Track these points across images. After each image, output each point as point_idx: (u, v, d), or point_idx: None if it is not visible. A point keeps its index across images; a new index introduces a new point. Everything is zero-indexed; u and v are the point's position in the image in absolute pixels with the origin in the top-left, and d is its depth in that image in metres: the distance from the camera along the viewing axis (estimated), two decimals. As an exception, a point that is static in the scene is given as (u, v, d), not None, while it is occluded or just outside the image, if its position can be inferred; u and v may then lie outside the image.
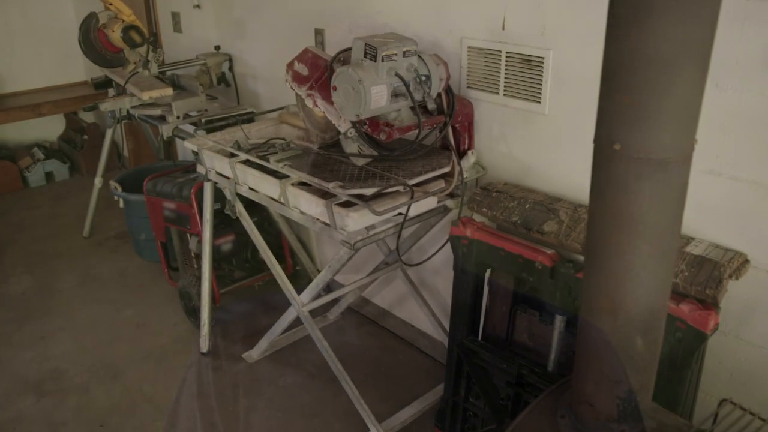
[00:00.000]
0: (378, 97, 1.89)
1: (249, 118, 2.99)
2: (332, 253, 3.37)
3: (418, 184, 2.09)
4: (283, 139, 2.76)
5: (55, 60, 5.37)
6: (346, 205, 2.02)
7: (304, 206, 2.17)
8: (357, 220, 1.98)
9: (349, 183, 2.01)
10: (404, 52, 1.92)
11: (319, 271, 3.49)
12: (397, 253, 2.22)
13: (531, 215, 2.08)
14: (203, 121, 3.09)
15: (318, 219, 2.14)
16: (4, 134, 5.32)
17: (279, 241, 3.43)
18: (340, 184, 1.98)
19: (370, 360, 2.96)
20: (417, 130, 2.00)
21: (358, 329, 3.20)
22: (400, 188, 2.01)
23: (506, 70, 2.21)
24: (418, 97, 1.99)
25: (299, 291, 2.58)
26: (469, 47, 2.30)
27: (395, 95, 1.95)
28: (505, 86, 2.23)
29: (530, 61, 2.13)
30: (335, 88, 1.96)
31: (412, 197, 2.04)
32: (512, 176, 2.33)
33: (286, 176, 2.23)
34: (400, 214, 2.08)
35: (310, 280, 3.50)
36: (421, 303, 2.77)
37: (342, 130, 2.10)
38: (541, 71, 2.11)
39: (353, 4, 2.72)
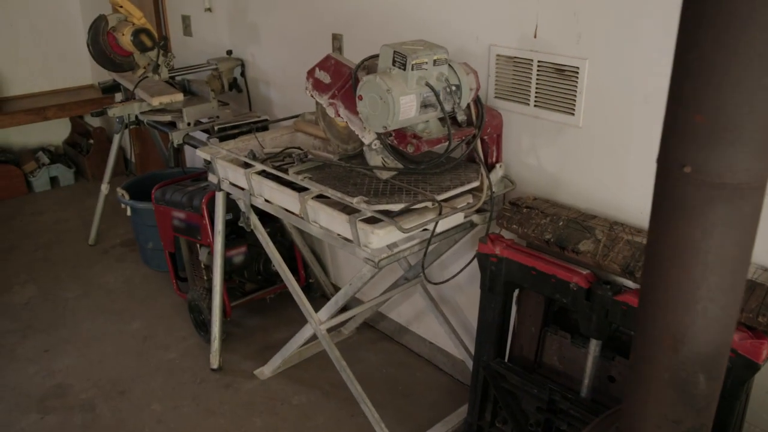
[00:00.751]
0: (407, 108, 1.79)
1: (263, 126, 2.89)
2: (347, 265, 3.26)
3: (445, 200, 1.98)
4: (300, 148, 2.65)
5: (61, 63, 5.28)
6: (371, 221, 1.91)
7: (325, 221, 2.06)
8: (382, 238, 1.88)
9: (374, 198, 1.91)
10: (435, 61, 1.82)
11: (333, 284, 3.40)
12: (422, 272, 2.11)
13: (565, 233, 1.97)
14: (216, 128, 2.99)
15: (339, 235, 2.04)
16: (9, 138, 5.23)
17: (292, 252, 3.32)
18: (364, 199, 1.88)
19: (387, 378, 2.84)
20: (445, 143, 1.89)
21: (373, 345, 3.09)
22: (428, 204, 1.90)
23: (537, 79, 2.10)
24: (447, 107, 1.88)
25: (312, 304, 2.48)
26: (497, 55, 2.20)
27: (424, 106, 1.84)
28: (536, 97, 2.13)
29: (564, 70, 2.03)
30: (361, 98, 1.85)
31: (440, 213, 1.93)
32: (542, 191, 2.22)
33: (304, 188, 2.13)
34: (425, 230, 1.97)
35: (324, 293, 3.42)
36: (442, 320, 2.67)
37: (366, 141, 2.00)
38: (576, 82, 2.01)
39: (373, 8, 2.62)
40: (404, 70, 1.78)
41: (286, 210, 2.25)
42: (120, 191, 3.63)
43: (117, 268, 3.86)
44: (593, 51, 1.94)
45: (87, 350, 3.09)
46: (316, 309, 2.47)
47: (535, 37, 2.08)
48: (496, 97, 2.25)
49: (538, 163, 2.21)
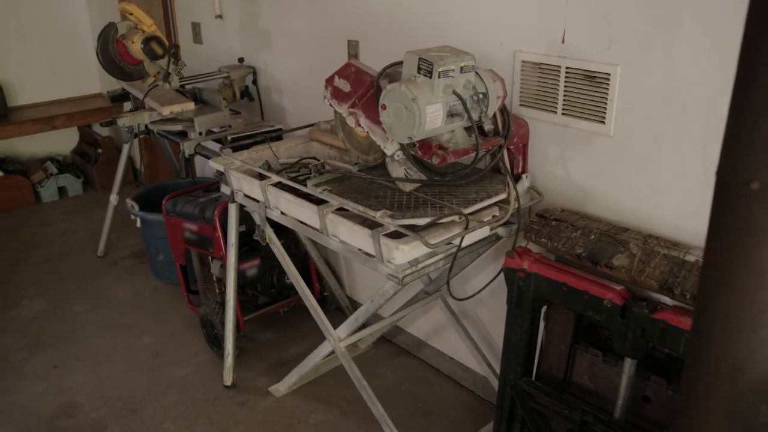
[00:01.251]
0: (433, 118, 1.70)
1: (277, 136, 2.81)
2: (363, 278, 3.18)
3: (471, 213, 1.90)
4: (316, 158, 2.58)
5: (69, 71, 5.22)
6: (394, 235, 1.83)
7: (345, 235, 1.98)
8: (407, 253, 1.79)
9: (398, 211, 1.82)
10: (462, 68, 1.74)
11: (348, 297, 3.31)
12: (447, 288, 2.02)
13: (597, 247, 1.88)
14: (229, 138, 2.91)
15: (360, 250, 1.95)
16: (17, 147, 5.17)
17: (306, 264, 3.24)
18: (388, 213, 1.79)
19: (406, 395, 2.75)
20: (471, 154, 1.81)
21: (391, 360, 3.00)
22: (455, 218, 1.82)
23: (566, 86, 2.02)
24: (474, 116, 1.80)
25: (327, 317, 2.39)
26: (523, 61, 2.12)
27: (451, 115, 1.76)
28: (564, 104, 2.04)
29: (594, 77, 1.94)
30: (384, 107, 1.77)
31: (466, 227, 1.84)
32: (570, 202, 2.13)
33: (321, 200, 2.05)
34: (449, 244, 1.88)
35: (339, 306, 3.33)
36: (464, 335, 2.58)
37: (389, 152, 1.92)
38: (607, 89, 1.92)
39: (391, 14, 2.54)
40: (430, 77, 1.69)
41: (304, 223, 2.17)
42: (129, 202, 3.56)
43: (126, 280, 3.79)
44: (625, 57, 1.86)
45: (97, 367, 3.01)
46: (331, 321, 2.39)
47: (563, 42, 1.99)
48: (520, 104, 2.16)
49: (565, 174, 2.12)
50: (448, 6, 2.30)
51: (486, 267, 2.48)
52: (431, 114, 1.69)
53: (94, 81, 5.33)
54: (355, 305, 3.29)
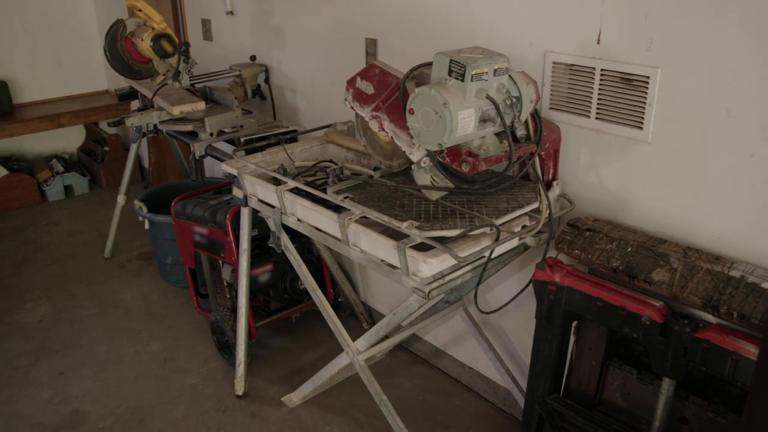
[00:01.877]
0: (465, 123, 1.60)
1: (292, 138, 2.71)
2: (378, 283, 3.08)
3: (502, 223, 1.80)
4: (333, 162, 2.48)
5: (76, 68, 5.13)
6: (420, 246, 1.72)
7: (367, 245, 1.88)
8: (435, 266, 1.69)
9: (426, 222, 1.72)
10: (495, 70, 1.63)
11: (362, 303, 3.21)
12: (474, 303, 1.92)
13: (635, 260, 1.78)
14: (242, 140, 2.81)
15: (383, 261, 1.85)
16: (22, 145, 5.09)
17: (319, 268, 3.14)
18: (416, 224, 1.69)
19: (424, 406, 2.66)
20: (503, 162, 1.71)
21: (408, 369, 2.90)
22: (486, 229, 1.71)
23: (600, 89, 1.91)
24: (507, 122, 1.69)
25: (341, 323, 2.30)
26: (554, 62, 2.01)
27: (483, 120, 1.66)
28: (598, 108, 1.93)
29: (631, 80, 1.84)
30: (412, 112, 1.67)
31: (497, 239, 1.74)
32: (603, 211, 2.03)
33: (339, 206, 1.95)
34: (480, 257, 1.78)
35: (353, 312, 3.23)
36: (486, 346, 2.48)
37: (415, 159, 1.81)
38: (645, 92, 1.81)
39: (412, 10, 2.43)
40: (462, 81, 1.59)
41: (321, 231, 2.07)
42: (137, 203, 3.47)
43: (134, 283, 3.70)
44: (667, 58, 1.75)
45: (104, 374, 2.92)
46: (345, 327, 2.29)
47: (598, 43, 1.89)
48: (551, 108, 2.06)
49: (598, 181, 2.01)
50: (474, 3, 2.19)
51: (510, 276, 2.38)
52: (463, 120, 1.59)
53: (101, 78, 5.23)
54: (369, 311, 3.19)
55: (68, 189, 4.99)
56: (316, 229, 2.07)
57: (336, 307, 3.20)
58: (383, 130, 1.88)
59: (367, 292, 3.18)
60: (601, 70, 1.89)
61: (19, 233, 4.36)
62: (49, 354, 3.07)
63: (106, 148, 5.06)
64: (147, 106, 3.38)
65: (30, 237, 4.30)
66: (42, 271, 3.85)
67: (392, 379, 2.82)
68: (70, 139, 5.34)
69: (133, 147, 3.70)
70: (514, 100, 1.71)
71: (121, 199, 3.85)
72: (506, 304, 2.05)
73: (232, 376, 2.81)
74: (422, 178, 1.85)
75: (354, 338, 2.27)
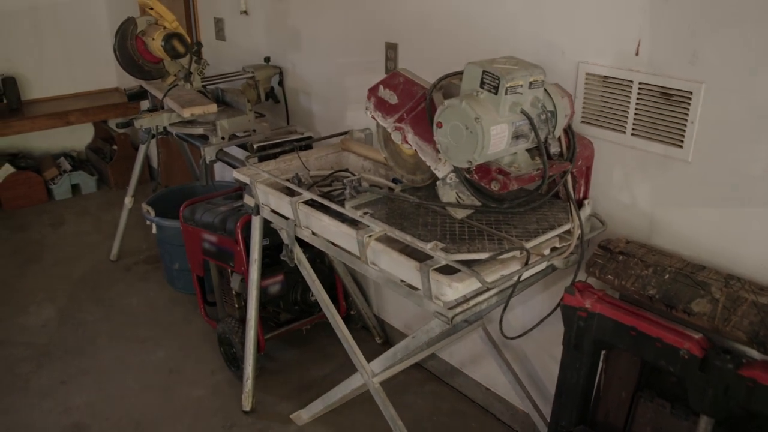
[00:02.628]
0: (498, 140, 1.49)
1: (307, 145, 2.60)
2: (392, 296, 2.97)
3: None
4: (350, 172, 2.37)
5: (86, 65, 5.04)
6: (444, 269, 1.62)
7: (387, 264, 1.77)
8: (460, 291, 1.58)
9: (452, 243, 1.61)
10: (531, 83, 1.52)
11: (375, 316, 3.10)
12: (500, 329, 1.81)
13: (673, 288, 1.66)
14: (255, 147, 2.71)
15: (403, 281, 1.74)
16: (29, 142, 5.01)
17: (332, 279, 3.04)
18: (441, 246, 1.58)
19: (438, 428, 2.55)
20: (537, 181, 1.60)
21: (421, 387, 2.79)
22: (516, 252, 1.60)
23: (637, 104, 1.80)
24: (541, 137, 1.58)
25: (353, 336, 2.19)
26: (587, 74, 1.90)
27: (516, 136, 1.55)
28: (634, 124, 1.82)
29: (672, 95, 1.72)
30: (440, 125, 1.56)
31: (527, 263, 1.63)
32: (635, 232, 1.92)
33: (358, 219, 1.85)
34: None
35: (365, 325, 3.12)
36: (505, 368, 2.37)
37: (440, 175, 1.71)
38: (687, 109, 1.70)
39: (436, 14, 2.32)
40: (496, 94, 1.48)
41: (337, 246, 1.96)
42: (145, 207, 3.37)
43: (140, 288, 3.60)
44: (712, 73, 1.63)
45: (107, 384, 2.82)
46: (356, 341, 2.18)
47: (636, 54, 1.77)
48: (582, 121, 1.95)
49: (631, 201, 1.90)
50: (503, 9, 2.08)
51: (533, 296, 2.27)
52: (496, 136, 1.48)
53: (111, 75, 5.14)
54: (382, 325, 3.08)
55: (75, 188, 4.91)
56: (333, 244, 1.96)
57: (348, 319, 3.09)
58: (407, 142, 1.77)
59: (381, 305, 3.07)
60: (639, 83, 1.78)
61: (24, 232, 4.28)
62: (51, 360, 2.97)
63: (115, 147, 4.97)
64: (157, 107, 3.28)
65: (35, 237, 4.22)
66: (46, 272, 3.76)
67: (405, 398, 2.71)
68: (78, 136, 5.26)
69: (142, 148, 3.61)
70: (549, 114, 1.60)
71: (128, 201, 3.76)
72: (531, 329, 1.94)
73: (239, 390, 2.71)
74: (447, 194, 1.74)
75: (366, 352, 2.17)
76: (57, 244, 4.12)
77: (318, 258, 2.99)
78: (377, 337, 3.08)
